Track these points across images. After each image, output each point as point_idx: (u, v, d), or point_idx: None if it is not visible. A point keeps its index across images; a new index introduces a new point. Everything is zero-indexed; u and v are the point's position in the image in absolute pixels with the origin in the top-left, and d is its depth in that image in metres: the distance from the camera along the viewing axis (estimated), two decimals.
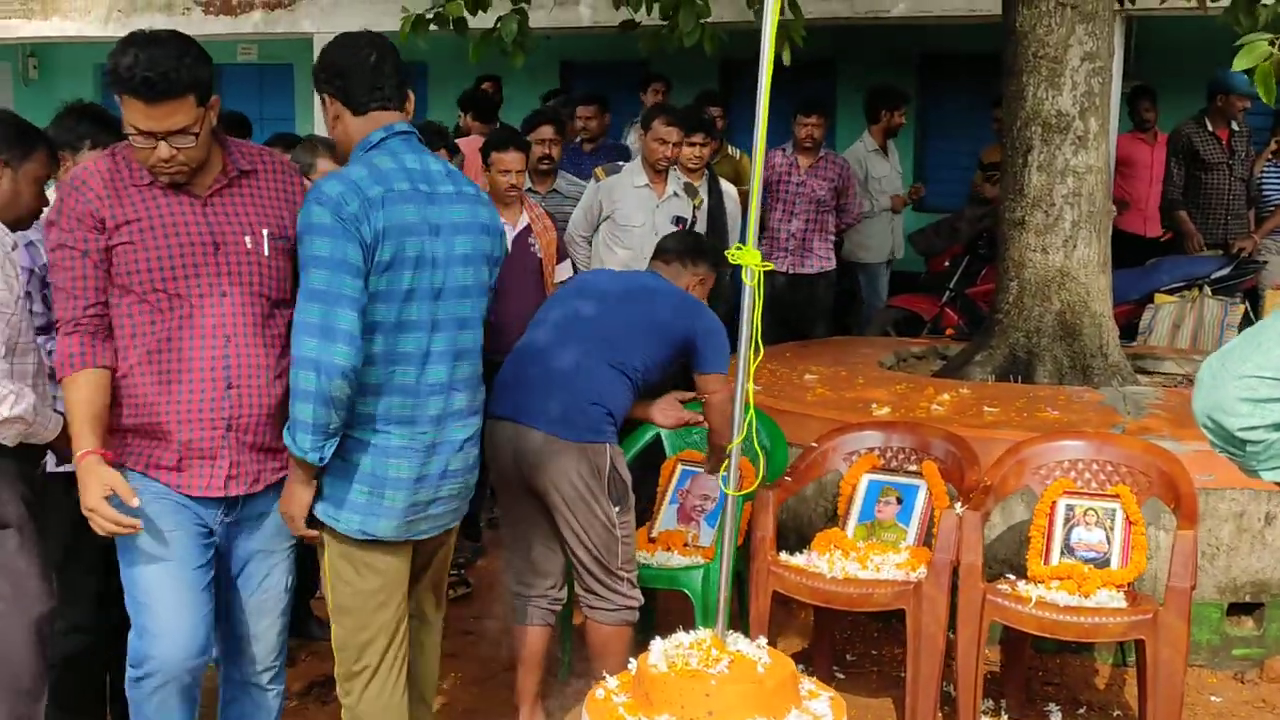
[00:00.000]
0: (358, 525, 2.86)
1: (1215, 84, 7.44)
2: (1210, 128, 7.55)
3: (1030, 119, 5.36)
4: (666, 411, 3.88)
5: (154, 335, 2.75)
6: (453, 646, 4.47)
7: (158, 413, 2.77)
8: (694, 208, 5.68)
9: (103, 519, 2.67)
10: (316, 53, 7.90)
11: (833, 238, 7.03)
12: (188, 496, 2.82)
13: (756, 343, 3.16)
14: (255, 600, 2.98)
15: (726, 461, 3.23)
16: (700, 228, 5.80)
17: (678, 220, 5.56)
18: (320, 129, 7.26)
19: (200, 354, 2.77)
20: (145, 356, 2.76)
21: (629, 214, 5.51)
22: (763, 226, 6.70)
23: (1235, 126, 7.54)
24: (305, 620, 4.36)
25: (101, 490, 2.66)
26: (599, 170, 5.79)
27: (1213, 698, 4.05)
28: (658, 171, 5.55)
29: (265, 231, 2.84)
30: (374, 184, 2.78)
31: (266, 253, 2.83)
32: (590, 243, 5.69)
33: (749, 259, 3.13)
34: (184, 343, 2.76)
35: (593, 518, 3.50)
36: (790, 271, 6.81)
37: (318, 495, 2.86)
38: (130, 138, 2.71)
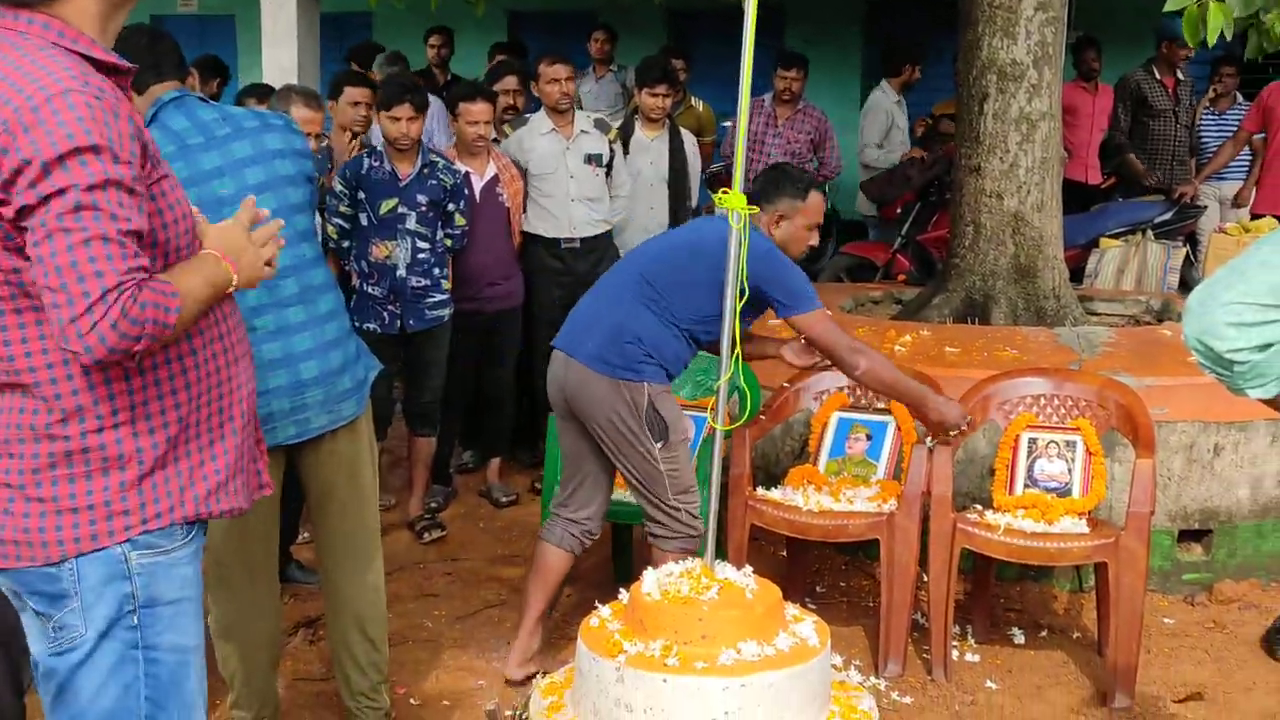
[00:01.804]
0: None
1: (1161, 31, 7.65)
2: (1158, 75, 7.77)
3: (986, 68, 5.50)
4: (800, 354, 3.90)
5: None
6: (433, 587, 4.59)
7: None
8: (610, 143, 5.68)
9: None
10: (262, 5, 7.86)
11: None
12: None
13: (742, 285, 3.29)
14: None
15: (714, 399, 3.35)
16: (643, 167, 5.87)
17: (590, 158, 5.57)
18: (269, 79, 7.21)
19: None
20: None
21: (541, 161, 5.54)
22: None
23: (1181, 75, 7.76)
24: (286, 565, 4.43)
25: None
26: (506, 127, 5.83)
27: (1165, 620, 4.26)
28: (560, 113, 5.58)
29: None
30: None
31: None
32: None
33: (734, 203, 3.24)
34: None
35: (634, 452, 3.59)
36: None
37: None
38: None
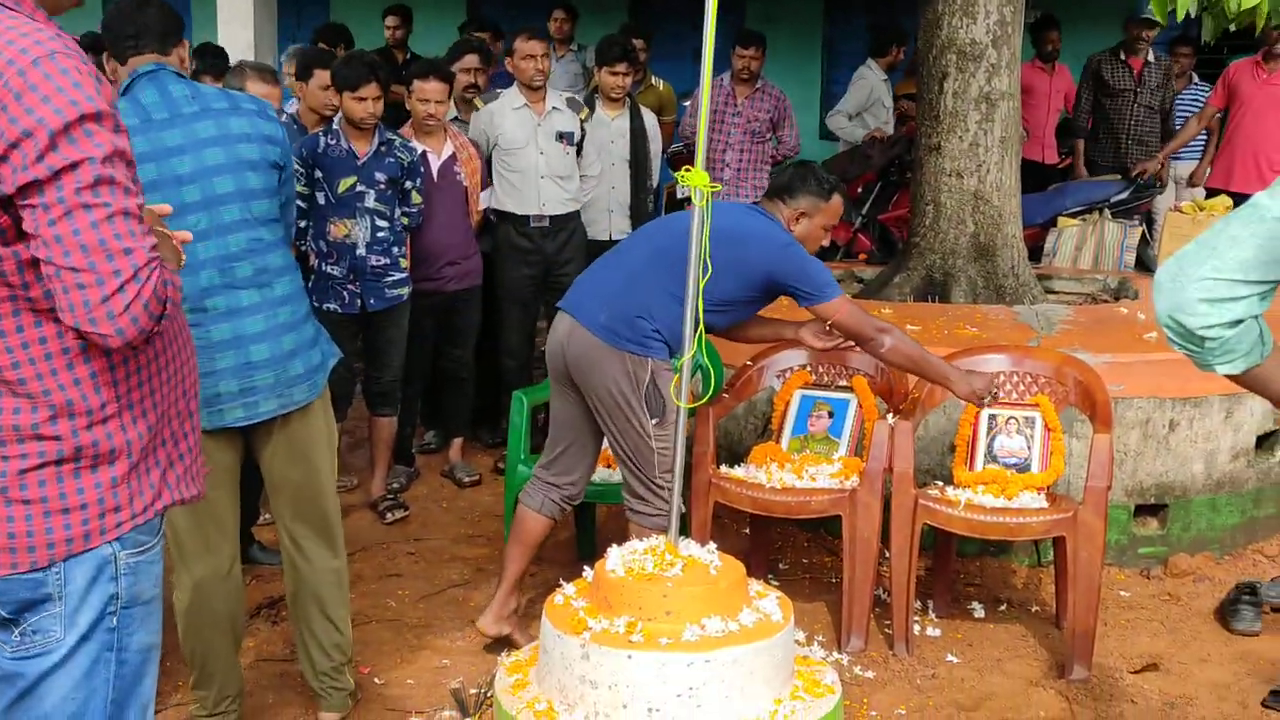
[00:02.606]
0: None
1: (1130, 13, 7.74)
2: (1124, 57, 7.83)
3: (945, 47, 5.52)
4: (819, 335, 3.92)
5: None
6: (397, 567, 4.58)
7: None
8: (581, 122, 5.68)
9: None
10: None
11: (769, 168, 7.17)
12: None
13: (706, 262, 3.29)
14: None
15: (677, 377, 3.36)
16: (604, 145, 5.86)
17: (561, 136, 5.56)
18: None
19: None
20: None
21: (512, 137, 5.52)
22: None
23: (1151, 58, 7.82)
24: (248, 546, 4.41)
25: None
26: (478, 100, 5.80)
27: (1122, 592, 4.33)
28: (533, 89, 5.56)
29: None
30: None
31: None
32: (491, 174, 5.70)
33: (696, 180, 3.24)
34: None
35: (628, 426, 3.60)
36: (726, 200, 6.90)
37: None
38: None
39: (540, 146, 5.51)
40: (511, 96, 5.59)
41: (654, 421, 3.61)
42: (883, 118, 8.04)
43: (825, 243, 3.92)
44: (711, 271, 3.57)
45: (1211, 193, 7.36)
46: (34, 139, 1.67)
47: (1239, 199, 6.36)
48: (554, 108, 5.58)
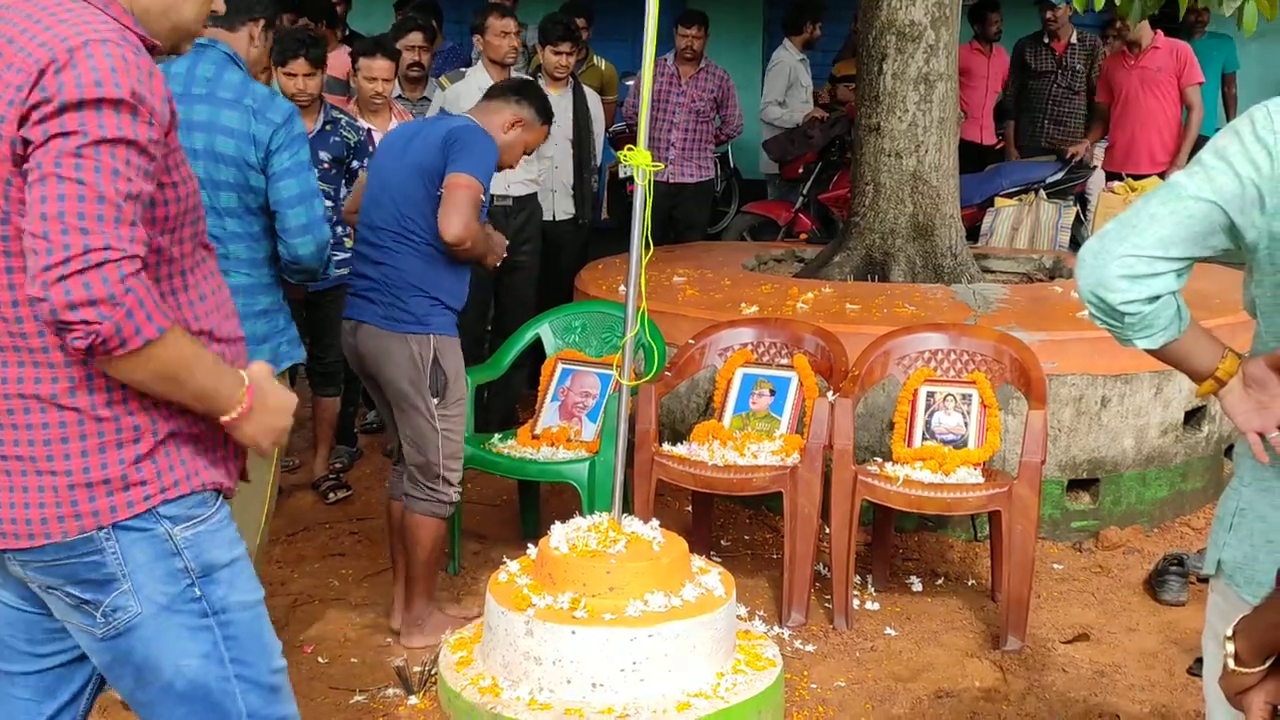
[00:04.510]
0: None
1: None
2: (1047, 40, 7.97)
3: (885, 28, 5.57)
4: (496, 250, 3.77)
5: None
6: (340, 546, 4.58)
7: None
8: None
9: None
10: None
11: (712, 148, 7.19)
12: None
13: (647, 240, 3.32)
14: None
15: (620, 356, 3.39)
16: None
17: None
18: None
19: None
20: None
21: None
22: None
23: (1075, 39, 7.96)
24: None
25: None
26: (443, 79, 5.78)
27: (1055, 565, 4.43)
28: (503, 68, 5.56)
29: None
30: None
31: None
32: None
33: (639, 160, 3.27)
34: None
35: (411, 408, 3.60)
36: (669, 180, 6.94)
37: None
38: None
39: None
40: (480, 75, 5.58)
41: (436, 401, 3.60)
42: (802, 98, 8.09)
43: (514, 165, 3.88)
44: (409, 199, 3.53)
45: (1112, 176, 7.54)
46: (50, 104, 1.73)
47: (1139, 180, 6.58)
48: None
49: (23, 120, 1.75)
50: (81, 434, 1.84)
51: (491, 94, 3.92)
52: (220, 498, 2.01)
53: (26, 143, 1.75)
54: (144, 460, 1.88)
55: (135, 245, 1.74)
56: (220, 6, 2.12)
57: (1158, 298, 1.77)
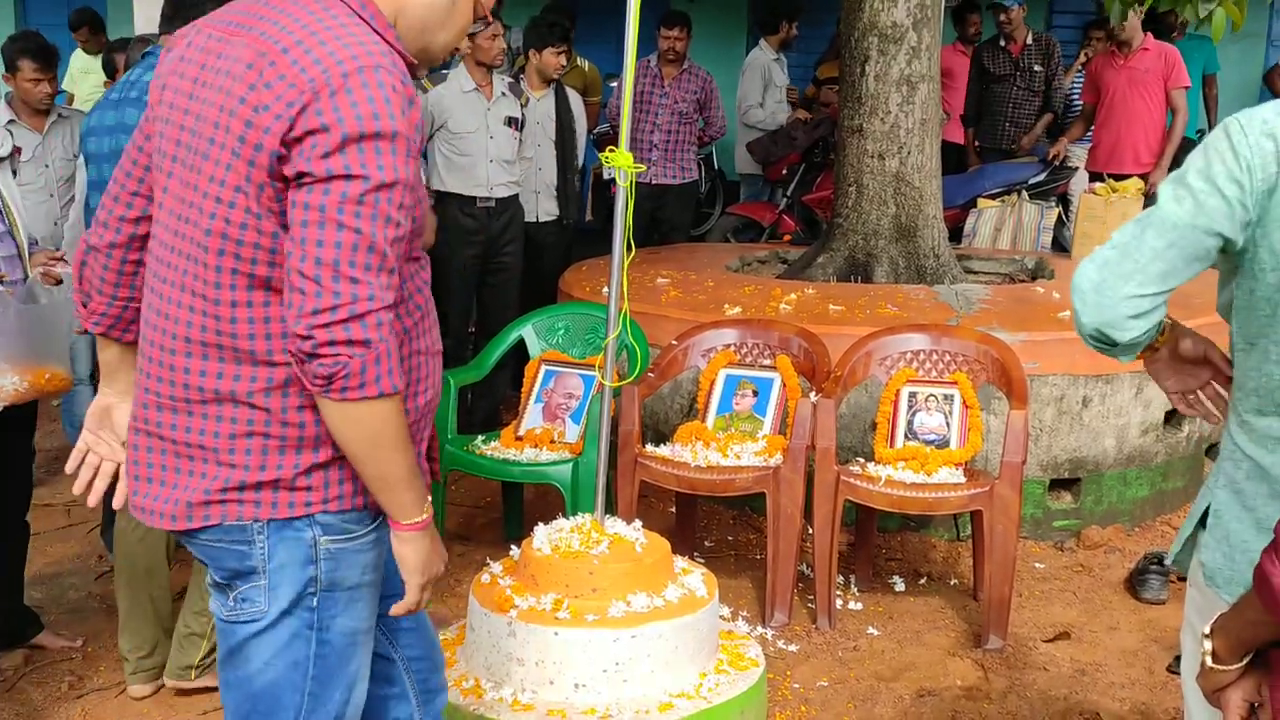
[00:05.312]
0: None
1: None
2: (1003, 43, 8.02)
3: (868, 30, 5.59)
4: None
5: None
6: None
7: None
8: (522, 107, 5.71)
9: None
10: None
11: (695, 149, 7.20)
12: None
13: (630, 241, 3.32)
14: None
15: (602, 357, 3.39)
16: (530, 127, 5.88)
17: (510, 121, 5.60)
18: (141, 32, 6.99)
19: None
20: None
21: (462, 120, 5.52)
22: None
23: (1030, 40, 8.01)
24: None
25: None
26: (426, 81, 5.79)
27: (1037, 564, 4.45)
28: (487, 69, 5.56)
29: None
30: None
31: None
32: (425, 156, 5.69)
33: (621, 161, 3.27)
34: None
35: None
36: (652, 182, 6.95)
37: None
38: None
39: (491, 130, 5.55)
40: (460, 79, 5.58)
41: None
42: (776, 97, 8.10)
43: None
44: None
45: (1094, 176, 7.58)
46: (328, 135, 1.72)
47: (1120, 180, 6.58)
48: (501, 93, 5.62)
49: (291, 139, 1.74)
50: (266, 434, 1.87)
51: None
52: (377, 522, 1.97)
53: (282, 159, 1.75)
54: (317, 469, 1.89)
55: (390, 293, 1.76)
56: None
57: (1156, 325, 1.83)
